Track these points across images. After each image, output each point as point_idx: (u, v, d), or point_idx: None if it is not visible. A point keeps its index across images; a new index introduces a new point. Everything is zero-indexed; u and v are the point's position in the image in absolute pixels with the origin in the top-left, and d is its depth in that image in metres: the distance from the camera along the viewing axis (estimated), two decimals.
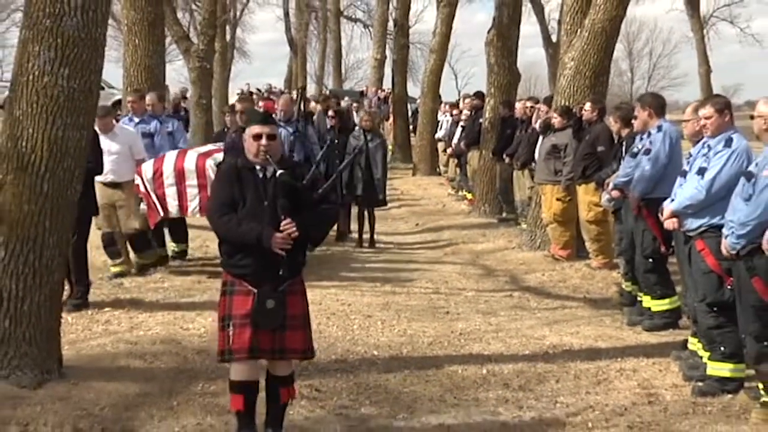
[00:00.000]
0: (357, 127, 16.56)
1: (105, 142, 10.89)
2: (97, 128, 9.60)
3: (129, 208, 11.82)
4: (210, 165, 11.37)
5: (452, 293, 11.46)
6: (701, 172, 7.67)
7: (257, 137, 5.85)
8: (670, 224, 8.01)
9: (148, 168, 11.66)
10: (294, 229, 5.67)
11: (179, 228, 12.99)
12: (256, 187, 5.85)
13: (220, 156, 11.51)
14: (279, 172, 5.75)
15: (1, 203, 7.45)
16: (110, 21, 8.15)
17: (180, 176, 11.49)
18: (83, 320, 9.41)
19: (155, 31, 16.40)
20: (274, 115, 10.74)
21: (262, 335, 5.78)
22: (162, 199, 11.58)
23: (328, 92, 18.95)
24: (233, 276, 5.91)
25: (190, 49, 22.70)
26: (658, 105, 9.80)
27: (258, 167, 5.89)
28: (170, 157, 11.82)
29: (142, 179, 11.62)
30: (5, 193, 7.44)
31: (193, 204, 11.52)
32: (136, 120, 12.87)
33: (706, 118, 7.64)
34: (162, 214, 11.70)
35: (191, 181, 11.47)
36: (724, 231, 6.89)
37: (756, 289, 6.61)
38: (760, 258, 6.49)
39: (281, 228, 5.67)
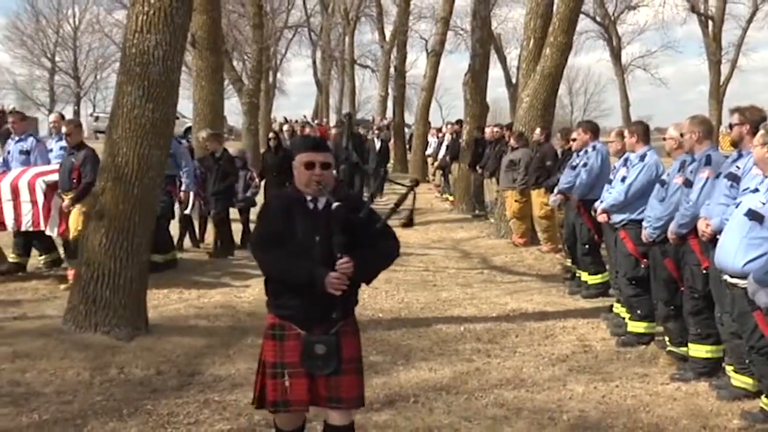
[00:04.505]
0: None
1: None
2: None
3: None
4: (39, 183, 9.48)
5: (438, 270, 11.45)
6: (623, 179, 7.76)
7: (310, 165, 4.02)
8: (601, 218, 8.09)
9: None
10: (352, 269, 3.90)
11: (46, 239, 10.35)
12: (307, 221, 4.02)
13: (53, 177, 9.59)
14: (335, 204, 3.96)
15: (103, 204, 7.51)
16: (183, 68, 8.13)
17: (15, 193, 9.55)
18: (164, 291, 9.41)
19: (216, 75, 16.43)
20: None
21: (318, 381, 4.06)
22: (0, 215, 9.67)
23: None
24: (280, 318, 4.13)
25: (242, 88, 22.66)
26: (594, 129, 9.89)
27: (309, 198, 4.06)
28: (11, 174, 9.89)
29: None
30: (105, 196, 7.52)
31: (26, 219, 9.56)
32: (16, 138, 10.80)
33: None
34: None
35: (24, 197, 9.53)
36: (644, 224, 6.95)
37: (667, 267, 6.67)
38: (669, 245, 6.53)
39: (337, 267, 3.88)
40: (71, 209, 9.25)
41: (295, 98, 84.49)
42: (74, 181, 9.33)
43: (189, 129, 21.56)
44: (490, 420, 5.52)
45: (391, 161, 26.92)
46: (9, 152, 10.74)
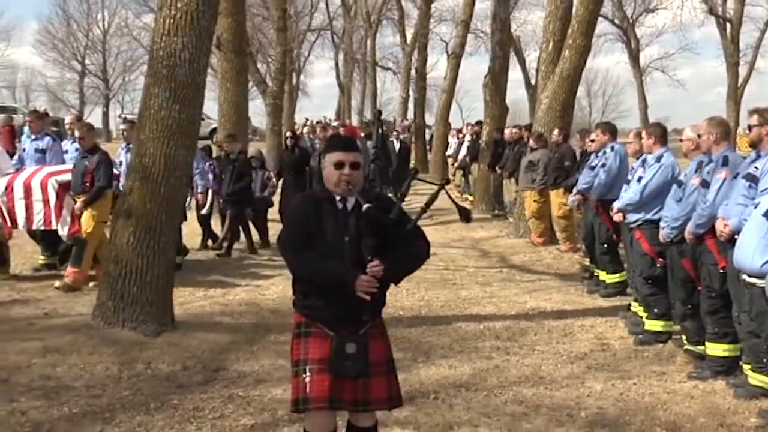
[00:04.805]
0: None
1: None
2: None
3: None
4: (51, 182, 9.43)
5: (458, 269, 11.43)
6: (639, 179, 7.72)
7: (339, 165, 3.89)
8: (617, 218, 8.07)
9: (1, 183, 9.64)
10: (382, 271, 3.78)
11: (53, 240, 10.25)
12: (336, 221, 3.90)
13: (65, 177, 9.57)
14: (365, 205, 3.77)
15: (131, 203, 7.55)
16: (209, 70, 8.17)
17: (28, 192, 9.46)
18: (189, 288, 9.46)
19: (241, 77, 16.49)
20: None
21: (344, 383, 3.88)
22: (11, 213, 9.56)
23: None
24: (307, 318, 4.00)
25: (266, 90, 22.69)
26: (612, 130, 9.85)
27: (338, 198, 3.94)
28: (24, 173, 9.83)
29: None
30: (133, 195, 7.56)
31: (38, 218, 9.49)
32: (33, 137, 10.84)
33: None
34: (11, 225, 9.72)
35: (36, 196, 9.43)
36: (661, 224, 6.91)
37: (684, 267, 6.62)
38: (687, 245, 6.48)
39: (368, 270, 3.76)
40: (83, 211, 9.25)
41: (318, 100, 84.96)
42: (86, 184, 9.27)
43: (214, 130, 21.63)
44: (509, 417, 5.50)
45: (412, 162, 26.87)
46: (24, 150, 10.76)
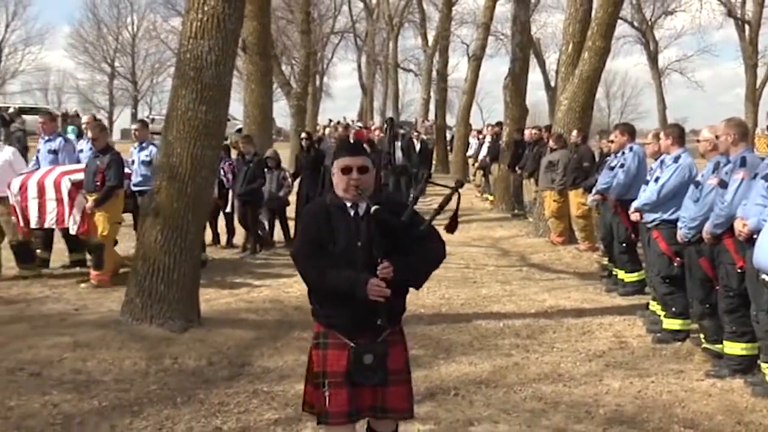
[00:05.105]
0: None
1: None
2: None
3: (7, 221, 9.72)
4: (65, 181, 9.39)
5: (478, 268, 11.41)
6: (657, 180, 7.68)
7: (346, 170, 3.74)
8: (634, 217, 8.03)
9: (16, 183, 9.51)
10: (392, 273, 3.61)
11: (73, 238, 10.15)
12: (348, 227, 3.75)
13: (78, 176, 9.54)
14: (373, 207, 3.66)
15: (158, 202, 7.59)
16: (234, 72, 8.19)
17: (41, 191, 9.40)
18: (214, 285, 9.51)
19: (266, 79, 16.52)
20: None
21: (362, 392, 3.76)
22: (24, 212, 9.44)
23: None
24: (325, 327, 3.86)
25: (290, 92, 22.78)
26: (631, 131, 9.80)
27: (349, 204, 3.78)
28: (38, 173, 9.75)
29: (9, 193, 9.50)
30: (161, 195, 7.59)
31: (50, 217, 9.42)
32: (46, 138, 10.79)
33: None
34: (24, 225, 9.58)
35: (50, 195, 9.39)
36: (679, 224, 6.86)
37: (702, 267, 6.57)
38: (704, 245, 6.44)
39: (378, 272, 3.61)
40: (94, 211, 9.28)
41: (341, 101, 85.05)
42: (98, 184, 9.29)
43: (239, 130, 21.76)
44: (528, 413, 5.49)
45: (434, 162, 26.87)
46: (39, 151, 10.83)
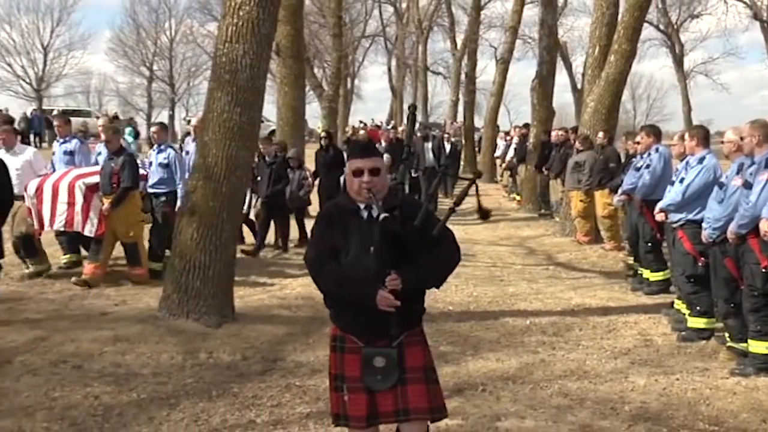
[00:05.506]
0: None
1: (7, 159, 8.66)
2: None
3: (21, 216, 9.42)
4: (79, 185, 9.25)
5: (505, 266, 11.37)
6: (682, 180, 7.62)
7: (358, 173, 3.58)
8: (659, 217, 7.97)
9: (32, 185, 9.32)
10: (400, 285, 3.44)
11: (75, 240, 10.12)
12: (360, 231, 3.58)
13: (93, 179, 9.40)
14: (382, 216, 3.43)
15: (194, 201, 7.64)
16: (268, 75, 8.22)
17: (55, 193, 9.24)
18: (249, 282, 9.56)
19: (299, 81, 16.61)
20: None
21: (381, 396, 3.60)
22: (39, 214, 9.28)
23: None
24: (341, 330, 3.77)
25: (322, 94, 22.83)
26: (656, 133, 9.72)
27: (362, 207, 3.62)
28: (53, 176, 9.58)
29: (26, 195, 9.29)
30: (196, 194, 7.64)
31: (59, 219, 9.26)
32: (61, 140, 10.69)
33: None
34: (37, 226, 9.42)
35: (62, 198, 9.22)
36: (704, 225, 6.79)
37: (726, 266, 6.50)
38: (729, 245, 6.37)
39: (386, 284, 3.44)
40: (110, 212, 9.15)
41: (372, 103, 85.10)
42: (114, 185, 9.18)
43: (273, 132, 21.83)
44: (554, 409, 5.46)
45: (462, 163, 26.80)
46: (54, 153, 10.74)
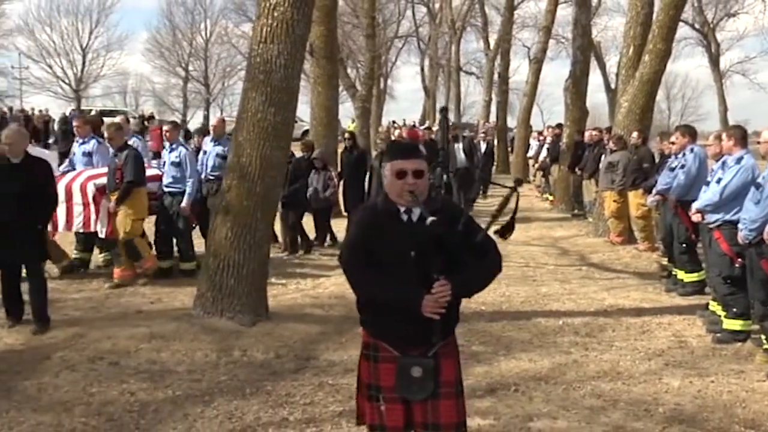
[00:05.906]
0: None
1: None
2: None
3: None
4: (90, 186, 9.25)
5: (538, 266, 11.31)
6: (719, 181, 7.52)
7: (401, 174, 3.40)
8: (695, 217, 7.87)
9: None
10: (449, 293, 3.30)
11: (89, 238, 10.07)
12: (401, 235, 3.40)
13: (103, 180, 9.35)
14: (429, 219, 3.25)
15: (229, 200, 7.68)
16: (302, 75, 8.23)
17: (68, 195, 9.24)
18: (282, 281, 9.59)
19: (332, 82, 16.64)
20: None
21: (415, 407, 3.49)
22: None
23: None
24: (374, 338, 3.61)
25: (355, 94, 22.84)
26: (692, 133, 9.61)
27: (402, 209, 3.44)
28: (66, 177, 9.61)
29: None
30: (231, 193, 7.68)
31: (77, 220, 9.30)
32: (80, 141, 10.58)
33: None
34: (53, 228, 9.31)
35: (77, 199, 9.26)
36: (740, 226, 6.71)
37: (763, 268, 6.42)
38: (766, 246, 6.29)
39: (433, 291, 3.27)
40: (117, 210, 9.14)
41: (405, 103, 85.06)
42: (118, 181, 9.13)
43: (306, 132, 21.91)
44: (587, 410, 5.42)
45: (495, 163, 26.73)
46: (74, 154, 10.74)
